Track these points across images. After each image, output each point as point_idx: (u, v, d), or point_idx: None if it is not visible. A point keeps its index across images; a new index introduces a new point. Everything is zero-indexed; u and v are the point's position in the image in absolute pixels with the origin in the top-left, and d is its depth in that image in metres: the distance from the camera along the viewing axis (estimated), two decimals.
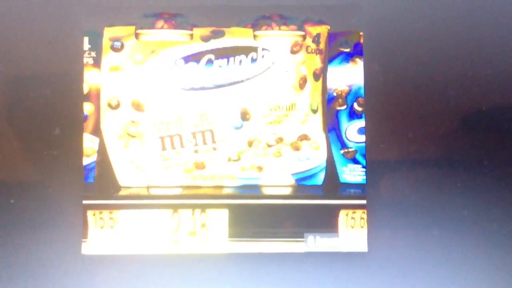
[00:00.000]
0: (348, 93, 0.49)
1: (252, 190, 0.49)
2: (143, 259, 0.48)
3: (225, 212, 0.48)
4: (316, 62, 0.49)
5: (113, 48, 0.48)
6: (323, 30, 0.49)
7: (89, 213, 0.48)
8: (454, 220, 0.48)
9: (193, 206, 0.48)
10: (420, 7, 0.49)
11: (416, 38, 0.49)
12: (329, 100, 0.50)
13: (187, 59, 0.49)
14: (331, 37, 0.49)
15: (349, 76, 0.49)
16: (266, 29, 0.49)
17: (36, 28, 0.48)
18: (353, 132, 0.49)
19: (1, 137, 0.47)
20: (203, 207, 0.48)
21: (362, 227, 0.49)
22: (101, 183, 0.48)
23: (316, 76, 0.49)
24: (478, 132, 0.49)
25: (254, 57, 0.49)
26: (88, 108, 0.48)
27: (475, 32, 0.49)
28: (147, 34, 0.49)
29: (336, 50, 0.50)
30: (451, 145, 0.49)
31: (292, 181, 0.50)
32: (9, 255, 0.47)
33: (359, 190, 0.49)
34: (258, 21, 0.49)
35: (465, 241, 0.48)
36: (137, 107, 0.48)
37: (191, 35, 0.49)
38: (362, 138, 0.49)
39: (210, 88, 0.49)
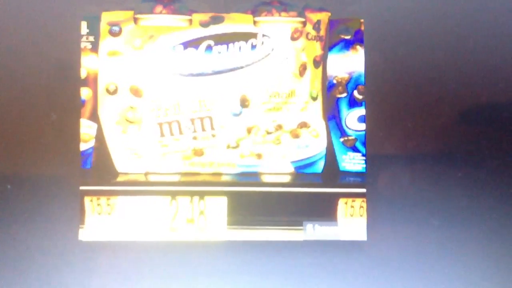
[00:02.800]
0: (349, 81, 0.49)
1: (251, 177, 0.49)
2: (140, 245, 0.48)
3: (223, 200, 0.48)
4: (316, 49, 0.49)
5: (111, 33, 0.48)
6: (323, 16, 0.49)
7: (87, 199, 0.48)
8: (453, 210, 0.48)
9: (192, 193, 0.48)
10: None
11: (417, 25, 0.49)
12: (329, 87, 0.49)
13: (186, 44, 0.48)
14: (331, 24, 0.49)
15: (349, 63, 0.49)
16: (266, 15, 0.49)
17: (34, 12, 0.47)
18: (353, 120, 0.49)
19: None
20: (202, 194, 0.48)
21: (361, 215, 0.48)
22: (99, 169, 0.48)
23: (316, 63, 0.49)
24: (478, 122, 0.49)
25: (254, 44, 0.48)
26: (85, 93, 0.48)
27: (477, 22, 0.49)
28: (145, 19, 0.48)
29: (336, 37, 0.49)
30: (451, 135, 0.48)
31: (291, 169, 0.49)
32: (6, 241, 0.47)
33: (358, 178, 0.49)
34: (258, 7, 0.49)
35: (463, 231, 0.48)
36: (135, 92, 0.48)
37: (190, 21, 0.48)
38: (362, 126, 0.49)
39: (209, 74, 0.48)
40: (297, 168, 0.49)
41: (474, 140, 0.48)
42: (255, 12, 0.49)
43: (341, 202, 0.48)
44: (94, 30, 0.48)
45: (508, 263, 0.48)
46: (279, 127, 0.49)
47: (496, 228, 0.48)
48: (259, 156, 0.49)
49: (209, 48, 0.48)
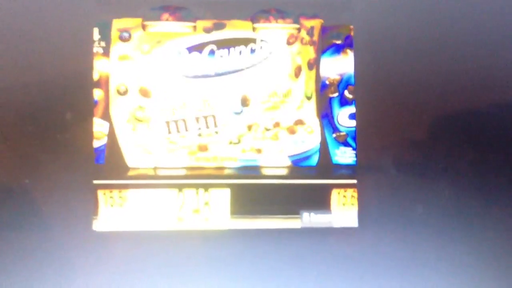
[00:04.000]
0: (340, 82, 0.54)
1: (251, 171, 0.53)
2: (150, 235, 0.51)
3: (227, 191, 0.52)
4: (310, 52, 0.53)
5: (122, 39, 0.52)
6: (316, 23, 0.53)
7: (100, 192, 0.51)
8: (436, 198, 0.53)
9: (197, 186, 0.52)
10: (406, 1, 0.54)
11: (402, 30, 0.53)
12: (322, 88, 0.54)
13: (190, 49, 0.52)
14: (324, 30, 0.54)
15: (340, 66, 0.54)
16: (264, 22, 0.53)
17: (50, 21, 0.51)
18: (344, 117, 0.54)
19: (18, 122, 0.50)
20: (206, 187, 0.52)
21: (352, 204, 0.53)
22: (111, 164, 0.52)
23: (310, 66, 0.53)
24: (458, 117, 0.53)
25: (253, 48, 0.53)
26: (98, 94, 0.52)
27: (462, 26, 0.54)
28: (153, 26, 0.52)
29: (328, 42, 0.54)
30: (434, 129, 0.53)
31: (288, 163, 0.53)
32: (25, 232, 0.50)
33: (350, 170, 0.53)
34: (257, 15, 0.53)
35: (446, 217, 0.53)
36: (144, 93, 0.52)
37: (195, 27, 0.52)
38: (353, 123, 0.53)
39: (212, 76, 0.52)
40: (293, 162, 0.53)
41: (455, 134, 0.53)
42: (254, 19, 0.53)
43: (334, 192, 0.53)
44: (105, 36, 0.52)
45: (490, 245, 0.53)
46: (277, 124, 0.53)
47: (476, 213, 0.53)
48: (259, 151, 0.53)
49: (212, 52, 0.52)
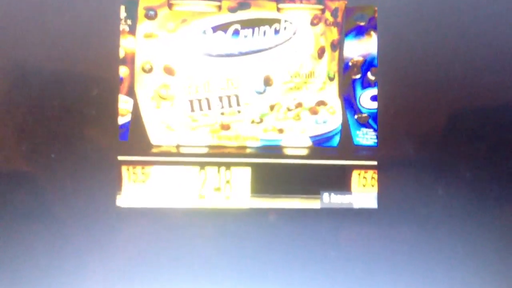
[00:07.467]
0: (363, 63, 0.54)
1: (273, 150, 0.53)
2: (171, 211, 0.52)
3: (248, 170, 0.53)
4: (334, 34, 0.54)
5: (148, 17, 0.52)
6: (341, 4, 0.54)
7: (124, 169, 0.52)
8: (457, 181, 0.53)
9: (219, 164, 0.53)
10: None
11: (426, 12, 0.53)
12: (345, 69, 0.54)
13: (215, 28, 0.53)
14: (348, 11, 0.54)
15: (363, 47, 0.54)
16: (288, 3, 0.53)
17: None
18: (367, 99, 0.54)
19: (45, 98, 0.51)
20: (228, 165, 0.53)
21: (373, 186, 0.53)
22: (135, 141, 0.52)
23: (333, 47, 0.54)
24: (482, 101, 0.53)
25: (277, 28, 0.53)
26: (123, 71, 0.52)
27: (491, 8, 0.53)
28: (179, 5, 0.53)
29: (352, 24, 0.54)
30: (456, 112, 0.53)
31: (309, 143, 0.54)
32: (50, 206, 0.51)
33: (370, 152, 0.53)
34: None
35: (466, 200, 0.53)
36: (169, 71, 0.53)
37: (220, 7, 0.53)
38: (375, 104, 0.54)
39: (236, 55, 0.53)
40: (315, 142, 0.54)
41: (477, 117, 0.53)
42: None
43: (355, 173, 0.53)
44: (132, 14, 0.52)
45: (508, 227, 0.53)
46: (299, 104, 0.54)
47: (497, 197, 0.53)
48: (280, 131, 0.54)
49: (236, 32, 0.53)
